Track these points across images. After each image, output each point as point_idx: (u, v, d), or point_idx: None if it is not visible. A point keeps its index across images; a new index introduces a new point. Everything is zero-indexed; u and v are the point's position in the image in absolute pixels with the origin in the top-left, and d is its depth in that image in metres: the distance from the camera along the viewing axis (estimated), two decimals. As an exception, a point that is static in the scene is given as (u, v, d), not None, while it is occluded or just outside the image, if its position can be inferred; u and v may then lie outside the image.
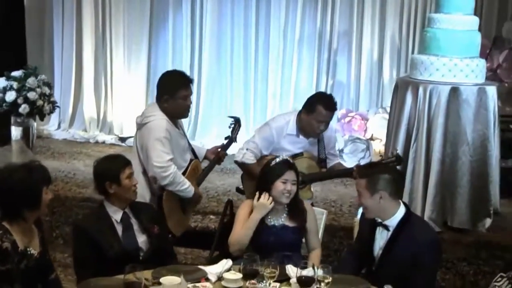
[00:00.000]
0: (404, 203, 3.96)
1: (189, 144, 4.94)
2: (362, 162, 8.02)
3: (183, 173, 4.75)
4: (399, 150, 5.92)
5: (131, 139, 8.58)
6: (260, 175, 4.38)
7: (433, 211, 5.81)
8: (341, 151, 7.90)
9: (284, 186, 4.18)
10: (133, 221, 4.07)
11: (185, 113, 4.82)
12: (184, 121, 8.70)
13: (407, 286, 3.71)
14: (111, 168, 4.01)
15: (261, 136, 5.07)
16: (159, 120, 4.62)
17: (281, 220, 4.27)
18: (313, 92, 8.52)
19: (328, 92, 8.46)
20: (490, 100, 5.81)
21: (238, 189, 5.48)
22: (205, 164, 5.16)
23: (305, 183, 5.06)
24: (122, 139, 8.79)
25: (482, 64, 5.97)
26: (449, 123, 5.76)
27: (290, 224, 4.27)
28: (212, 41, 8.81)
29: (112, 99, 9.16)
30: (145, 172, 4.67)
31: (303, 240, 4.37)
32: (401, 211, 3.87)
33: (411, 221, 3.87)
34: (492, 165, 5.88)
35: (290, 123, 5.06)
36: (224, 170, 7.56)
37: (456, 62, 5.81)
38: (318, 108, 4.93)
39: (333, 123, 5.56)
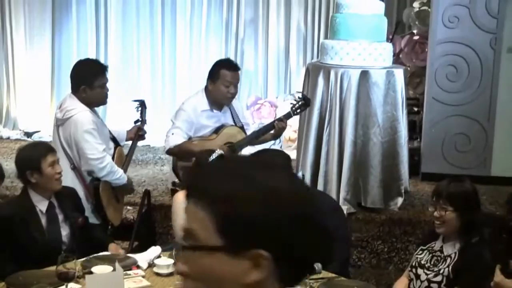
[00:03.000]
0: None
1: (110, 132, 4.89)
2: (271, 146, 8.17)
3: None
4: (313, 133, 6.06)
5: (38, 134, 8.43)
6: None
7: (348, 192, 5.95)
8: (247, 124, 8.01)
9: None
10: (58, 211, 3.97)
11: (104, 101, 4.77)
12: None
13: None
14: (32, 156, 3.89)
15: (180, 119, 5.11)
16: (83, 112, 4.54)
17: None
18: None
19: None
20: (398, 82, 5.99)
21: (174, 184, 5.33)
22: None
23: (235, 151, 5.13)
24: (28, 134, 8.53)
25: (389, 48, 6.16)
26: (360, 106, 5.91)
27: None
28: (117, 33, 8.70)
29: (15, 92, 8.87)
30: (75, 168, 4.58)
31: None
32: None
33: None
34: (401, 145, 6.07)
35: (201, 100, 5.17)
36: (136, 162, 7.48)
37: (365, 46, 5.96)
38: (222, 72, 5.06)
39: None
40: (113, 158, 4.72)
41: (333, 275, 3.65)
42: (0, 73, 8.85)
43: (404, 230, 5.90)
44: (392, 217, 5.97)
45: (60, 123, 4.63)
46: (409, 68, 7.83)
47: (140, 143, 7.82)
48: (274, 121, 5.31)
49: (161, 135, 8.32)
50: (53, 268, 3.26)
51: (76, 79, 4.66)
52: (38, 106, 8.73)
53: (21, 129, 8.75)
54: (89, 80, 4.58)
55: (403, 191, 6.15)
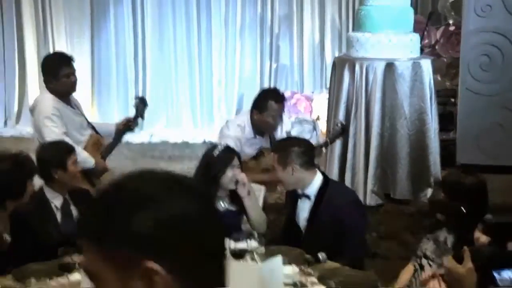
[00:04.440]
0: (322, 172, 4.07)
1: (89, 122, 5.00)
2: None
3: (84, 148, 4.82)
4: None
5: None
6: (202, 168, 4.24)
7: (375, 184, 5.93)
8: (288, 133, 7.99)
9: (233, 172, 4.12)
10: (73, 207, 4.09)
11: (71, 90, 4.89)
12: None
13: (337, 252, 3.81)
14: (57, 154, 4.03)
15: (229, 136, 5.05)
16: (45, 100, 4.78)
17: (223, 204, 4.30)
18: (258, 77, 8.70)
19: (273, 76, 8.67)
20: (425, 73, 5.93)
21: None
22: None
23: None
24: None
25: (416, 38, 6.10)
26: (386, 98, 5.88)
27: (232, 208, 4.30)
28: (154, 32, 8.83)
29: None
30: None
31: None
32: (318, 179, 3.99)
33: (329, 187, 3.98)
34: (431, 137, 6.00)
35: (246, 128, 5.13)
36: (172, 157, 7.62)
37: (390, 38, 5.93)
38: (270, 104, 5.05)
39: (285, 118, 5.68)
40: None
41: (337, 265, 3.64)
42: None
43: (434, 221, 5.83)
44: (421, 209, 5.91)
45: (31, 114, 4.92)
46: (445, 60, 7.74)
47: (177, 139, 7.97)
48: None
49: (198, 131, 8.49)
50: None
51: (44, 71, 4.92)
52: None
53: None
54: (54, 71, 4.77)
55: (433, 182, 6.08)
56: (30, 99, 9.04)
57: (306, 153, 4.00)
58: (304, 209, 4.03)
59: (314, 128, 8.28)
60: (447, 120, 7.27)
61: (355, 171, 5.99)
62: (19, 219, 3.94)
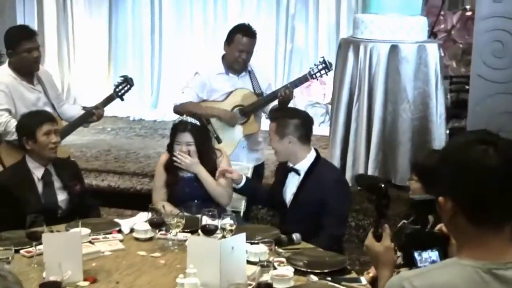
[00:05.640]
0: (316, 150, 4.03)
1: (49, 99, 4.81)
2: (322, 126, 8.11)
3: None
4: (342, 109, 5.98)
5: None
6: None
7: (376, 169, 5.86)
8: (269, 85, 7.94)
9: (180, 146, 4.28)
10: (55, 178, 4.11)
11: (32, 66, 4.71)
12: (147, 90, 8.96)
13: (314, 228, 3.78)
14: (29, 124, 4.05)
15: (194, 81, 5.09)
16: None
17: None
18: (273, 58, 8.63)
19: (287, 57, 8.58)
20: (431, 57, 5.82)
21: None
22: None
23: (247, 115, 5.08)
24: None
25: (423, 22, 5.98)
26: (389, 81, 5.78)
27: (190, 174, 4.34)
28: (170, 8, 8.82)
29: (76, 68, 9.21)
30: None
31: None
32: (311, 156, 3.97)
33: (319, 165, 3.95)
34: (434, 122, 5.90)
35: (217, 64, 5.10)
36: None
37: (396, 20, 5.82)
38: (237, 37, 4.99)
39: (264, 66, 5.55)
40: None
41: (312, 246, 3.61)
42: (63, 52, 9.17)
43: (433, 208, 5.74)
44: (421, 196, 5.81)
45: None
46: (461, 45, 7.59)
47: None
48: (281, 88, 5.07)
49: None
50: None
51: (5, 44, 4.71)
52: (96, 81, 8.99)
53: (80, 105, 9.01)
54: (14, 44, 4.61)
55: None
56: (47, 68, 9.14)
57: (305, 126, 3.98)
58: (292, 184, 4.01)
59: (327, 112, 8.20)
60: (460, 107, 7.13)
61: (357, 155, 5.93)
62: (1, 188, 3.99)
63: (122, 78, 5.07)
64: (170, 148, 4.37)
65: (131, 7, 8.99)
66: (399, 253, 2.50)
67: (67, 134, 4.91)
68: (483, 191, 1.66)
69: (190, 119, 4.33)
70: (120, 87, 5.02)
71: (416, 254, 2.05)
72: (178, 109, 5.06)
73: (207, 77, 5.06)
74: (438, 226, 2.20)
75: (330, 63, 5.18)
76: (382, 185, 2.33)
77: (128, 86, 5.03)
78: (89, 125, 5.16)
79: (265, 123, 5.65)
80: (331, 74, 8.30)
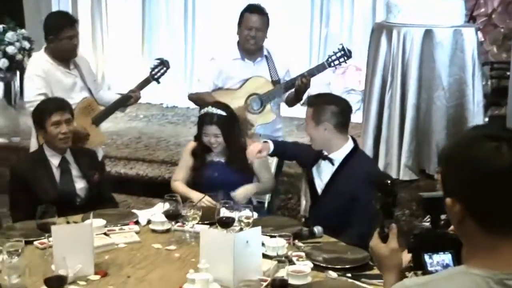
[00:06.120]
0: (354, 139, 3.86)
1: (85, 84, 4.81)
2: (357, 113, 7.92)
3: None
4: (375, 97, 5.80)
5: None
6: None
7: (409, 158, 5.66)
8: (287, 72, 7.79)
9: (207, 139, 4.20)
10: (73, 166, 4.04)
11: (72, 53, 4.73)
12: (181, 76, 8.88)
13: (344, 222, 3.63)
14: (39, 114, 3.99)
15: (210, 67, 5.01)
16: (33, 60, 4.77)
17: (224, 158, 4.24)
18: (308, 43, 8.45)
19: (322, 43, 8.39)
20: (468, 42, 5.57)
21: None
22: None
23: (263, 104, 4.96)
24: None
25: (460, 4, 5.73)
26: (424, 67, 5.56)
27: (221, 159, 4.29)
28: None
29: (110, 55, 9.19)
30: None
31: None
32: (348, 146, 3.80)
33: (355, 157, 3.79)
34: (471, 110, 5.65)
35: (233, 49, 4.98)
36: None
37: (431, 3, 5.60)
38: (245, 16, 4.90)
39: (281, 52, 5.38)
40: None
41: (334, 240, 3.47)
42: (97, 40, 9.15)
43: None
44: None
45: None
46: (502, 30, 7.32)
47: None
48: (297, 76, 4.89)
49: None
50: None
51: (45, 29, 4.74)
52: (129, 67, 8.93)
53: (117, 93, 9.00)
54: (56, 30, 4.64)
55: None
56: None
57: (343, 114, 3.80)
58: (325, 173, 3.85)
59: (363, 99, 7.99)
60: (500, 95, 6.87)
61: (389, 144, 5.73)
62: (18, 175, 3.94)
63: (158, 61, 5.02)
64: (198, 139, 4.29)
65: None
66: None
67: (105, 118, 4.94)
68: (494, 194, 1.49)
69: (216, 110, 4.22)
70: (156, 70, 4.98)
71: (426, 257, 1.88)
72: (193, 98, 5.00)
73: (223, 63, 4.96)
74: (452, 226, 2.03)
75: (349, 51, 5.03)
76: (388, 182, 2.15)
77: (164, 68, 4.98)
78: (125, 109, 5.19)
79: (297, 110, 5.54)
80: (365, 60, 8.18)
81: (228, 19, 8.51)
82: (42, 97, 4.50)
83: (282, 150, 4.25)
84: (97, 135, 4.86)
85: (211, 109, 4.20)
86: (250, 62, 4.97)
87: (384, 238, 2.11)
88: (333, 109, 3.76)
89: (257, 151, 4.03)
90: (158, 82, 5.02)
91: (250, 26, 4.87)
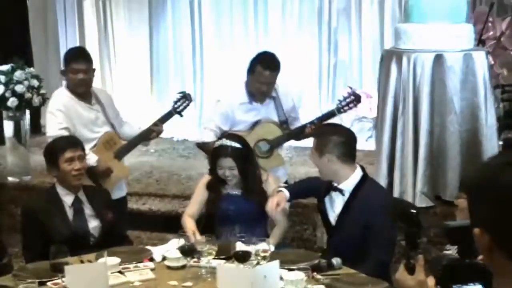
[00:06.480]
0: (362, 168, 3.80)
1: (107, 119, 4.84)
2: (369, 141, 7.87)
3: (94, 146, 4.73)
4: (387, 124, 5.74)
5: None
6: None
7: (425, 185, 5.58)
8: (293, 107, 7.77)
9: (221, 172, 4.13)
10: (86, 206, 3.99)
11: (77, 88, 4.73)
12: (190, 109, 8.84)
13: (362, 252, 3.56)
14: (50, 151, 3.96)
15: (216, 112, 4.96)
16: (55, 95, 4.82)
17: (240, 191, 4.18)
18: (316, 73, 8.43)
19: (331, 71, 8.37)
20: (479, 66, 5.52)
21: None
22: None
23: (272, 148, 4.93)
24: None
25: (469, 29, 5.70)
26: (435, 92, 5.51)
27: (236, 191, 4.21)
28: (211, 27, 8.75)
29: (118, 86, 9.21)
30: None
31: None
32: (356, 176, 3.74)
33: (366, 186, 3.72)
34: (485, 134, 5.58)
35: (240, 92, 4.94)
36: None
37: (440, 28, 5.56)
38: (257, 68, 4.82)
39: (287, 86, 5.34)
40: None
41: (353, 271, 3.39)
42: (105, 72, 9.15)
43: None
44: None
45: None
46: (511, 52, 7.27)
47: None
48: (307, 123, 4.91)
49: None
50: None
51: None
52: (138, 101, 8.94)
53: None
54: (65, 64, 4.79)
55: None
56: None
57: (346, 144, 3.75)
58: (337, 204, 3.79)
59: (375, 127, 7.95)
60: (513, 118, 6.81)
61: (404, 171, 5.66)
62: (30, 214, 3.90)
63: (181, 94, 5.04)
64: (213, 172, 4.24)
65: (171, 25, 8.92)
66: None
67: (127, 153, 4.97)
68: None
69: (230, 143, 4.17)
70: (179, 103, 4.99)
71: None
72: (201, 146, 4.96)
73: (230, 107, 4.91)
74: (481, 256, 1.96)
75: (359, 96, 5.00)
76: (413, 212, 2.08)
77: (187, 102, 5.01)
78: (148, 143, 5.21)
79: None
80: (375, 87, 8.15)
81: (236, 58, 8.57)
82: (64, 131, 4.55)
83: (297, 192, 4.18)
84: (120, 169, 4.89)
85: (225, 142, 4.15)
86: (258, 104, 4.94)
87: (411, 270, 2.04)
88: (335, 140, 3.72)
89: (275, 205, 3.94)
90: (181, 116, 5.05)
91: (262, 81, 4.82)
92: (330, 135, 3.75)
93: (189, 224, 4.09)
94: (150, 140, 5.11)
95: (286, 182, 4.97)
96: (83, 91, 4.75)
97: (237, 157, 4.10)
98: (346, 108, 4.95)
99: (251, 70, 4.87)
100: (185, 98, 4.99)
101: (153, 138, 5.06)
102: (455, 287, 1.81)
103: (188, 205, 4.32)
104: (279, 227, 4.17)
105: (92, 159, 4.66)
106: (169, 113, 5.02)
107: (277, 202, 3.93)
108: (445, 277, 1.85)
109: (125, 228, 4.38)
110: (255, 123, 4.92)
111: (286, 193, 4.01)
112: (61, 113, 4.65)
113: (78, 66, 4.70)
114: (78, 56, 4.80)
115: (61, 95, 4.77)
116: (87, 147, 4.66)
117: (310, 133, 4.71)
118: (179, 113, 5.02)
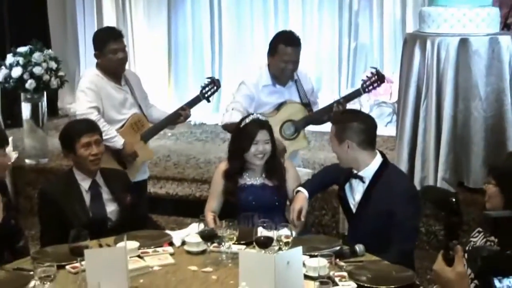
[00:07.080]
0: (382, 154, 3.72)
1: (136, 100, 4.84)
2: (388, 126, 7.78)
3: (121, 127, 4.75)
4: (409, 109, 5.64)
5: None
6: (231, 140, 4.17)
7: (447, 171, 5.49)
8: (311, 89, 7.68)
9: (256, 147, 3.96)
10: (104, 189, 3.93)
11: (118, 68, 4.77)
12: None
13: (384, 241, 3.48)
14: (67, 136, 3.90)
15: (241, 94, 4.86)
16: (86, 74, 4.89)
17: (260, 179, 4.07)
18: (336, 56, 8.33)
19: (351, 55, 8.26)
20: (505, 50, 5.41)
21: None
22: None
23: (297, 130, 4.88)
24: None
25: (494, 13, 5.58)
26: (460, 77, 5.41)
27: (269, 183, 4.06)
28: (230, 9, 8.65)
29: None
30: None
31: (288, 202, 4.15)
32: (376, 162, 3.65)
33: (387, 173, 3.64)
34: (510, 120, 5.48)
35: (263, 74, 4.87)
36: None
37: (465, 12, 5.45)
38: (280, 47, 4.75)
39: (306, 68, 5.29)
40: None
41: (376, 258, 3.32)
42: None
43: (511, 213, 5.35)
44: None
45: None
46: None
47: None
48: (333, 103, 4.84)
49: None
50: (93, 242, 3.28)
51: (93, 46, 4.85)
52: (157, 90, 8.86)
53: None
54: (101, 45, 4.73)
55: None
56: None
57: (366, 131, 3.65)
58: (357, 191, 3.71)
59: (394, 111, 7.85)
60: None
61: (425, 157, 5.57)
62: (47, 199, 3.85)
63: (209, 80, 5.05)
64: (238, 154, 4.04)
65: (190, 14, 8.83)
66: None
67: (153, 135, 5.01)
68: None
69: (259, 116, 4.09)
70: (207, 89, 4.99)
71: (496, 282, 1.72)
72: (228, 128, 4.82)
73: (254, 89, 4.84)
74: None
75: (383, 75, 4.93)
76: (453, 200, 1.99)
77: (215, 87, 5.01)
78: (174, 127, 5.25)
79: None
80: (397, 71, 8.03)
81: (254, 38, 8.49)
82: (94, 111, 4.58)
83: (316, 188, 4.08)
84: (146, 152, 4.93)
85: (256, 115, 4.07)
86: (281, 86, 4.88)
87: (450, 261, 1.95)
88: (356, 127, 3.63)
89: (298, 213, 3.82)
90: (209, 101, 5.07)
91: (286, 60, 4.75)
92: (350, 122, 3.66)
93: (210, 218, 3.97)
94: (177, 124, 5.11)
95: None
96: (123, 70, 4.79)
97: (271, 130, 4.02)
98: (370, 87, 4.88)
99: (272, 50, 4.80)
100: (214, 83, 4.99)
101: (180, 123, 5.07)
102: (496, 280, 1.73)
103: (208, 201, 4.16)
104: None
105: (118, 142, 4.64)
106: (196, 97, 5.02)
107: (299, 209, 3.82)
108: (485, 270, 1.76)
109: (146, 209, 4.33)
110: (280, 105, 4.86)
111: (306, 193, 3.91)
112: (92, 91, 4.66)
113: (117, 46, 4.72)
114: (117, 35, 4.79)
115: (93, 74, 4.77)
116: (114, 128, 4.65)
117: (338, 111, 4.63)
118: (207, 98, 5.03)
